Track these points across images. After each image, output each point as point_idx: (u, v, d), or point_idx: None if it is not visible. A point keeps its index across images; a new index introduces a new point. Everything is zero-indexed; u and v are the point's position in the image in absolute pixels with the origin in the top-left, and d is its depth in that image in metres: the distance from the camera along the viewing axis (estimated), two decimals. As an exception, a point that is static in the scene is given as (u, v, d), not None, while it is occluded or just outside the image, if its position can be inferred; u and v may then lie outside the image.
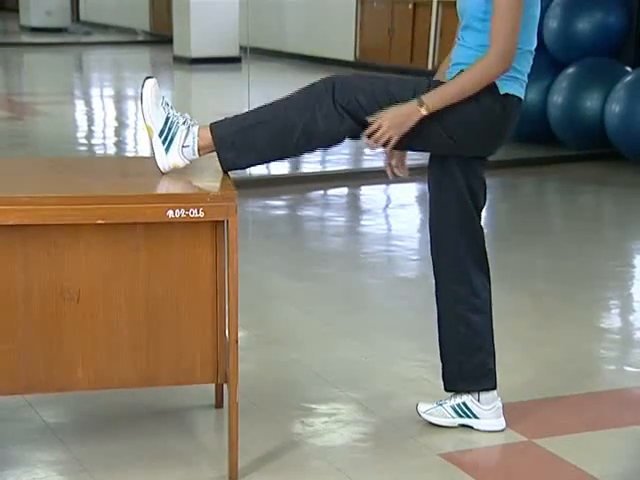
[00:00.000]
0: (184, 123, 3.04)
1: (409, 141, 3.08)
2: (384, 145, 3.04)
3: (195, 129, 3.04)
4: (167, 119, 3.03)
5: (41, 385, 3.03)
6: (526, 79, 3.12)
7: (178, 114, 3.06)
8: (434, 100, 3.00)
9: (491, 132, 3.11)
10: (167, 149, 3.03)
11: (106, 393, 3.34)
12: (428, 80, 3.14)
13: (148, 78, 3.05)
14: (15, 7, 21.25)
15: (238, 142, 3.03)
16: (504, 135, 3.15)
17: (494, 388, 3.30)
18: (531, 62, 3.12)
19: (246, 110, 3.15)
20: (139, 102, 3.04)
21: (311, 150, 3.10)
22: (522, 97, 3.11)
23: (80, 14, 21.69)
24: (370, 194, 7.10)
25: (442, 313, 3.29)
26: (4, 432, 3.27)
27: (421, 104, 2.99)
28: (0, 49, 16.38)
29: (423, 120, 3.01)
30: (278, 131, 3.02)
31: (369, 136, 3.02)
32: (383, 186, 7.19)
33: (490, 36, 3.00)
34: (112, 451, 3.13)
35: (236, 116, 3.09)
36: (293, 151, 3.10)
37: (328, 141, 3.07)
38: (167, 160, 3.03)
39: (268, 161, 3.15)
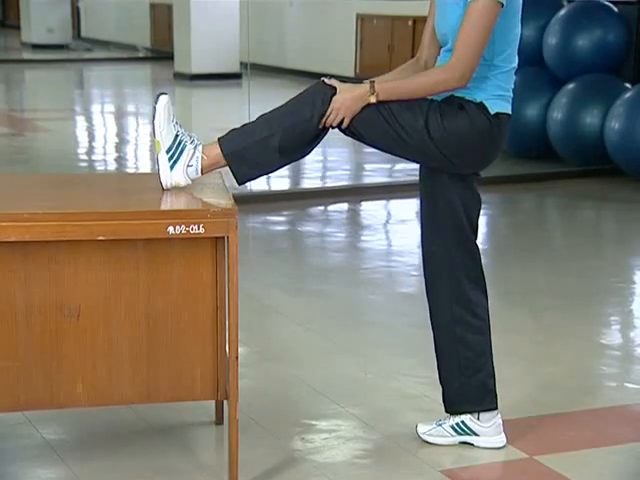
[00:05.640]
0: (191, 143, 3.05)
1: (405, 153, 3.10)
2: (339, 125, 3.04)
3: (200, 149, 3.05)
4: (176, 137, 3.04)
5: (41, 402, 3.02)
6: (511, 94, 3.12)
7: (186, 133, 3.07)
8: (385, 93, 3.02)
9: (483, 150, 3.11)
10: (172, 166, 3.03)
11: (106, 409, 3.34)
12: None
13: (162, 94, 3.05)
14: (17, 24, 21.38)
15: (251, 156, 3.03)
16: (496, 153, 3.15)
17: (495, 408, 3.28)
18: (514, 78, 3.13)
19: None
20: (152, 117, 3.05)
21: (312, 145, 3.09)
22: (510, 113, 3.11)
23: (81, 31, 21.79)
24: (370, 210, 7.10)
25: (440, 335, 3.25)
26: (3, 449, 3.26)
27: (372, 92, 3.02)
28: (1, 66, 16.44)
29: (416, 135, 3.01)
30: (288, 139, 3.02)
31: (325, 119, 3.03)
32: (383, 202, 7.20)
33: (455, 47, 2.97)
34: (112, 468, 3.12)
35: (244, 128, 3.07)
36: (304, 153, 3.11)
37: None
38: (171, 177, 3.03)
39: (282, 166, 3.13)
